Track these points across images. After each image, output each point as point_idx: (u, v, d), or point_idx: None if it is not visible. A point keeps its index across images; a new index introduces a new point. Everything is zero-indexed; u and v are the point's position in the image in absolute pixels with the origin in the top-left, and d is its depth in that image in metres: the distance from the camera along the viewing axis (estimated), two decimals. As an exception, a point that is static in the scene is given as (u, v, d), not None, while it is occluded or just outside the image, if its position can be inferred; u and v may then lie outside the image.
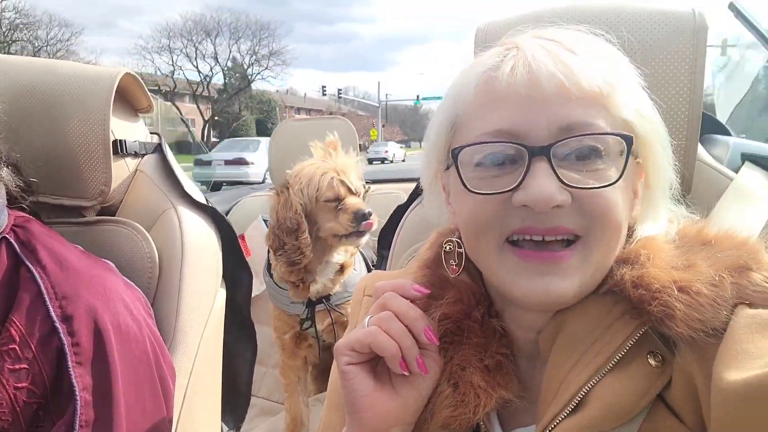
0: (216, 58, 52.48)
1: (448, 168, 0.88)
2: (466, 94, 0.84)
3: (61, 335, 1.13)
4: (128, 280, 1.42)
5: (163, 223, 1.62)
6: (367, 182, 3.07)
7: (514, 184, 0.76)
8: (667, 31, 1.10)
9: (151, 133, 1.86)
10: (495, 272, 0.83)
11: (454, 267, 0.91)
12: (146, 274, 1.53)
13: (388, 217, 1.64)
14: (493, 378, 0.84)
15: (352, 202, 2.44)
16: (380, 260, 1.67)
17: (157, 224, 1.63)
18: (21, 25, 40.73)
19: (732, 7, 2.17)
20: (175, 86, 50.72)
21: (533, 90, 0.76)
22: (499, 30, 1.12)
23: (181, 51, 50.46)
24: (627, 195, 0.81)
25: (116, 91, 1.56)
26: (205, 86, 52.87)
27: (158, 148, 1.79)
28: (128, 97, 1.75)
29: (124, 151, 1.66)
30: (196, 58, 51.25)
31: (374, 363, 0.87)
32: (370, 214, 2.41)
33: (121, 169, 1.67)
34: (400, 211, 1.53)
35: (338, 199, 2.45)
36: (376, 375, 0.86)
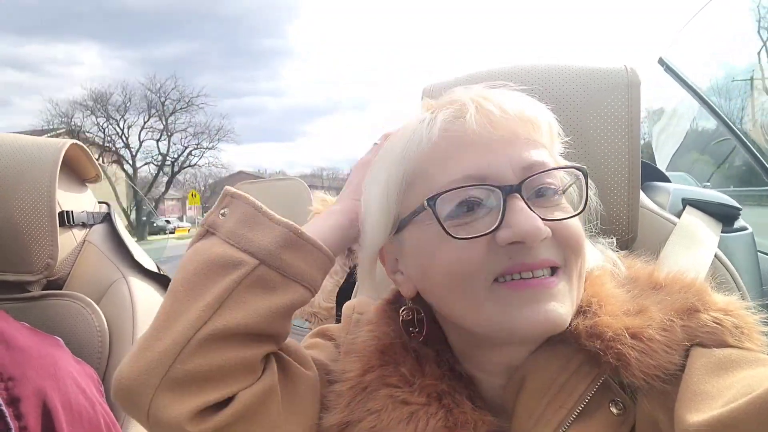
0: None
1: (398, 231, 0.87)
2: (422, 148, 0.84)
3: (8, 419, 1.07)
4: (78, 358, 1.36)
5: (113, 295, 1.57)
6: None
7: (495, 225, 0.76)
8: (602, 87, 1.16)
9: (99, 202, 1.82)
10: (485, 312, 0.79)
11: (416, 334, 0.90)
12: (96, 349, 1.47)
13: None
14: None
15: None
16: (338, 321, 1.65)
17: (106, 296, 1.58)
18: None
19: (661, 61, 2.30)
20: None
21: (494, 134, 0.79)
22: (444, 90, 1.15)
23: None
24: None
25: (62, 162, 1.54)
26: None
27: (107, 218, 1.76)
28: (75, 167, 1.72)
29: (71, 222, 1.62)
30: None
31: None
32: None
33: (68, 240, 1.63)
34: (356, 270, 1.52)
35: None
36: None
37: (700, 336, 0.75)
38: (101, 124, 45.31)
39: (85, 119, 44.58)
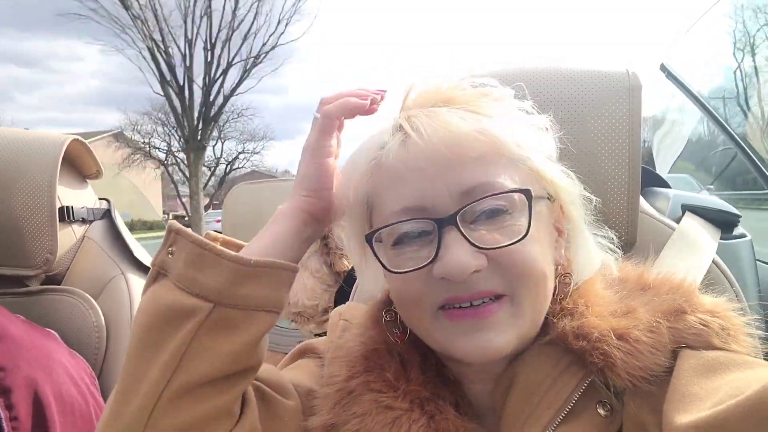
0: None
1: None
2: (365, 177, 0.84)
3: None
4: (73, 351, 1.36)
5: (111, 291, 1.58)
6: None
7: (431, 258, 0.76)
8: (603, 90, 1.15)
9: (100, 198, 1.82)
10: (432, 337, 0.82)
11: (399, 335, 0.91)
12: (93, 344, 1.48)
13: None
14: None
15: None
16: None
17: (105, 292, 1.58)
18: None
19: (663, 68, 2.29)
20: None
21: (427, 161, 0.77)
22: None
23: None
24: (545, 240, 0.81)
25: (63, 158, 1.54)
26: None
27: (107, 214, 1.76)
28: (76, 163, 1.72)
29: (71, 218, 1.62)
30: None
31: None
32: None
33: (68, 236, 1.63)
34: (354, 272, 1.52)
35: None
36: None
37: (687, 338, 0.76)
38: (164, 132, 48.87)
39: (155, 128, 48.01)
